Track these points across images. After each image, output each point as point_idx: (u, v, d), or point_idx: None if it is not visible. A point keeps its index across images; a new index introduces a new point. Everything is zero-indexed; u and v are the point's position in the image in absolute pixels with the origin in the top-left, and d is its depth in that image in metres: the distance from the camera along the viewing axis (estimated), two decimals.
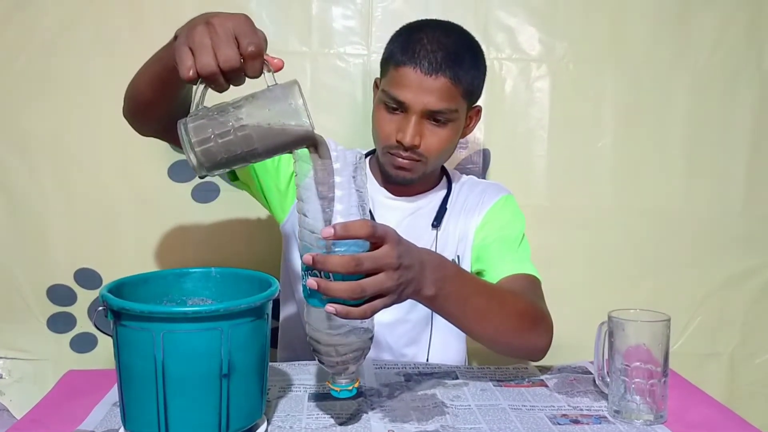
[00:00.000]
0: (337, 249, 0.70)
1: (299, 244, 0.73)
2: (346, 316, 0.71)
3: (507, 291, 0.99)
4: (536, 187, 1.45)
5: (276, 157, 1.12)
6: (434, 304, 0.83)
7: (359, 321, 0.73)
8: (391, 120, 1.07)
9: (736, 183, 1.48)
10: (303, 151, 0.73)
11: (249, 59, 0.70)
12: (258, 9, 1.39)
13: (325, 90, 1.42)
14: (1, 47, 1.36)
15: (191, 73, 0.70)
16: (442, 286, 0.80)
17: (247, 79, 0.72)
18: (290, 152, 0.74)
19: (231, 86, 0.72)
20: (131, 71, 1.48)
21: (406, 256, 0.74)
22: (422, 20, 1.11)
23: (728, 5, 1.44)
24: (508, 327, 0.93)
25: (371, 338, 0.77)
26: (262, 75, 0.72)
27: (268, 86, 0.72)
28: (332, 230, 0.68)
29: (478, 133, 1.44)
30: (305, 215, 0.72)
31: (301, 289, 0.74)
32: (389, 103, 1.06)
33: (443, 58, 1.02)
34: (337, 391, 0.77)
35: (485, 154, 1.45)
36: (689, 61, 1.44)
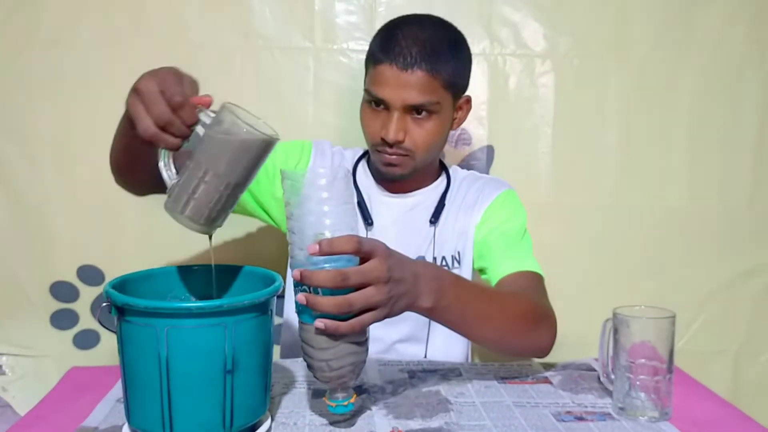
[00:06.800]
0: (326, 265, 0.70)
1: (290, 261, 0.73)
2: (335, 332, 0.71)
3: (507, 294, 1.00)
4: (540, 183, 1.45)
5: (270, 169, 1.11)
6: (433, 315, 0.83)
7: (350, 335, 0.73)
8: (375, 118, 1.08)
9: (741, 180, 1.47)
10: (290, 170, 0.75)
11: (178, 109, 0.73)
12: (261, 5, 1.39)
13: (329, 86, 1.41)
14: (3, 44, 1.36)
15: (140, 138, 0.73)
16: (439, 297, 0.80)
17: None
18: (263, 160, 0.75)
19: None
20: (133, 68, 1.46)
21: (397, 269, 0.73)
22: (401, 16, 1.11)
23: (733, 2, 1.43)
24: (510, 330, 0.93)
25: (365, 352, 0.76)
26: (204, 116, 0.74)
27: (207, 123, 0.74)
28: (317, 246, 0.69)
29: (482, 129, 1.43)
30: (294, 232, 0.72)
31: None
32: (372, 102, 1.07)
33: (418, 52, 1.03)
34: (332, 406, 0.76)
35: (489, 151, 1.44)
36: (694, 57, 1.44)
